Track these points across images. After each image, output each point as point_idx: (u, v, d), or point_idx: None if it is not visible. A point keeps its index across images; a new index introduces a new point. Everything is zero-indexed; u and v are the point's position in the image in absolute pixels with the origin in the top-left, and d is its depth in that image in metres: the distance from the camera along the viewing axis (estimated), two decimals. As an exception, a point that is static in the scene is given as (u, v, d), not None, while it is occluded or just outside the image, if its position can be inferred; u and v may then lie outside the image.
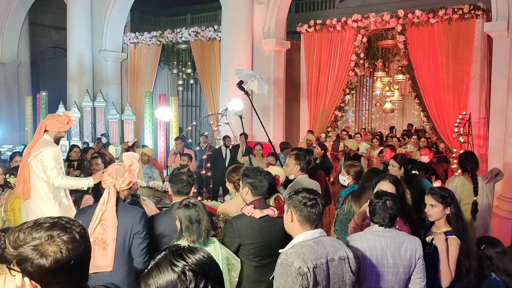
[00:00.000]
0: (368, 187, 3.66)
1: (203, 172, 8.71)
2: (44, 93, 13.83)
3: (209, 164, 9.00)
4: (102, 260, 2.97)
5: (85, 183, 4.05)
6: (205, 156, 9.11)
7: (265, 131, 7.47)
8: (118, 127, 12.71)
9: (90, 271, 2.96)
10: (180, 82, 14.57)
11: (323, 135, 10.59)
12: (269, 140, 7.47)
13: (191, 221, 2.91)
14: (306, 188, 2.48)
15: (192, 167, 8.54)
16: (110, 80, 13.58)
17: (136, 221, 3.06)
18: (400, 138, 11.03)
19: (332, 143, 11.09)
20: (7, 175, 5.01)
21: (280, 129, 11.09)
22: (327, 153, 8.29)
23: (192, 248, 1.30)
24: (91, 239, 2.87)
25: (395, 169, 4.32)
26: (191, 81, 14.77)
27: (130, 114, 12.39)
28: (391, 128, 14.39)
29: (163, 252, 1.29)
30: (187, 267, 1.22)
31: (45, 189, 3.95)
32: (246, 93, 7.42)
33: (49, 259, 1.26)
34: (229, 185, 3.84)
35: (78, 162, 5.91)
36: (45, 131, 4.05)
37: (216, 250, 2.99)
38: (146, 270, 1.26)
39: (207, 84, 12.22)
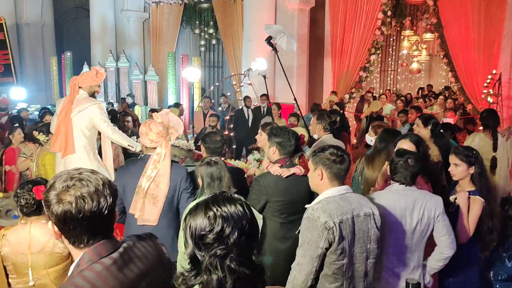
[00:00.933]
0: (382, 149, 3.63)
1: (226, 132, 8.78)
2: (68, 54, 13.95)
3: (232, 125, 9.07)
4: (150, 214, 3.08)
5: (136, 144, 4.11)
6: (227, 117, 9.16)
7: (291, 89, 7.39)
8: (142, 87, 12.81)
9: (138, 223, 3.09)
10: (202, 42, 14.45)
11: (346, 96, 10.46)
12: (295, 99, 7.40)
13: (212, 178, 2.97)
14: (331, 145, 2.49)
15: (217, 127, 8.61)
16: (133, 40, 13.58)
17: (184, 178, 3.17)
18: (427, 99, 10.81)
19: (356, 104, 10.95)
20: (37, 132, 5.15)
21: (303, 89, 10.99)
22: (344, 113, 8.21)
23: (232, 198, 1.34)
24: (143, 195, 3.01)
25: (420, 129, 4.25)
26: (213, 42, 14.62)
27: (153, 75, 12.44)
28: (420, 89, 14.07)
29: (207, 197, 1.36)
30: (218, 213, 1.27)
31: (86, 146, 4.00)
32: (275, 49, 7.30)
33: (60, 208, 1.35)
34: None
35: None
36: (79, 88, 4.03)
37: None
38: (188, 211, 1.35)
39: (230, 44, 12.10)
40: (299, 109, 7.51)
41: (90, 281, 1.33)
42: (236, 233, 1.26)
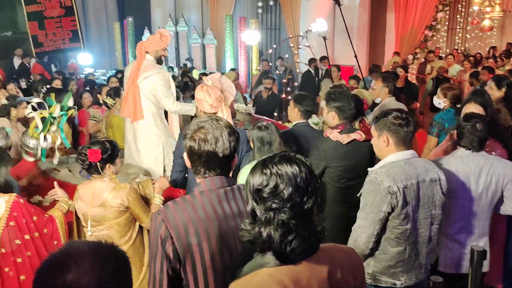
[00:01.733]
0: None
1: (283, 95, 8.74)
2: (130, 19, 14.30)
3: (289, 88, 9.00)
4: None
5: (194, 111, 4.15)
6: (285, 80, 9.09)
7: (354, 50, 7.16)
8: (200, 51, 12.94)
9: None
10: (260, 4, 14.21)
11: (410, 57, 9.99)
12: (357, 60, 7.18)
13: (262, 142, 2.97)
14: (394, 109, 2.40)
15: (274, 90, 8.59)
16: (191, 3, 13.64)
17: (245, 142, 3.16)
18: (498, 59, 10.08)
19: (419, 65, 10.45)
20: (105, 96, 5.40)
21: (364, 51, 10.61)
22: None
23: (289, 157, 1.36)
24: None
25: (493, 92, 3.99)
26: (271, 3, 14.33)
27: (212, 38, 12.50)
28: (492, 49, 13.11)
29: (266, 156, 1.40)
30: (274, 170, 1.31)
31: (153, 110, 4.04)
32: (338, 3, 7.07)
33: (188, 143, 1.68)
34: None
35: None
36: (146, 53, 4.04)
37: None
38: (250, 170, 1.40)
39: (287, 5, 11.83)
40: (360, 71, 7.28)
41: (191, 202, 1.65)
42: (290, 190, 1.28)
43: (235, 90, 3.45)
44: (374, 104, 4.51)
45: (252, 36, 9.71)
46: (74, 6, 10.79)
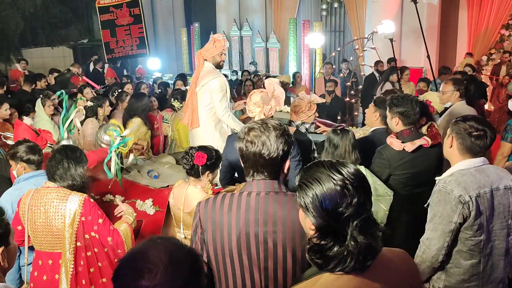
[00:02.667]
0: None
1: (347, 99, 8.59)
2: (196, 25, 14.74)
3: (353, 91, 8.82)
4: None
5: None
6: (349, 83, 8.92)
7: (427, 51, 6.87)
8: (264, 55, 13.05)
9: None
10: (324, 6, 14.07)
11: (484, 58, 9.43)
12: (429, 61, 6.88)
13: (329, 144, 3.03)
14: (476, 117, 2.29)
15: (338, 93, 8.47)
16: (255, 8, 13.79)
17: (294, 147, 3.08)
18: None
19: (493, 66, 9.81)
20: (172, 99, 5.61)
21: (434, 53, 10.13)
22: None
23: (342, 162, 1.34)
24: None
25: None
26: (335, 5, 14.13)
27: (275, 42, 12.57)
28: None
29: (315, 166, 1.34)
30: (347, 181, 1.26)
31: (208, 118, 4.11)
32: (415, 1, 6.84)
33: (238, 145, 1.72)
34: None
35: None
36: (205, 60, 4.14)
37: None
38: (302, 183, 1.32)
39: (353, 6, 11.62)
40: (432, 73, 6.96)
41: (228, 200, 1.70)
42: (359, 197, 1.25)
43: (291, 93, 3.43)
44: (445, 109, 4.31)
45: (316, 39, 9.62)
46: (142, 14, 11.32)
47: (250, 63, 12.24)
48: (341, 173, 1.28)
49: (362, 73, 9.65)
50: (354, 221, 1.24)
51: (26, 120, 5.39)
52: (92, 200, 2.68)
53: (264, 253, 1.66)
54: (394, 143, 3.07)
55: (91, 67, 12.05)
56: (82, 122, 4.66)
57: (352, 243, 1.22)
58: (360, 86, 9.28)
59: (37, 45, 17.72)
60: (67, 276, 2.60)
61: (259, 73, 10.96)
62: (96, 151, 4.00)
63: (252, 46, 13.28)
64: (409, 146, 3.02)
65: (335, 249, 1.24)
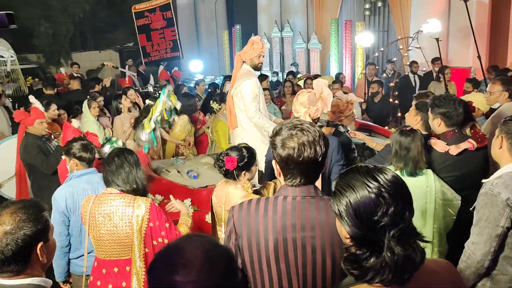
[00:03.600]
0: None
1: (391, 100, 8.38)
2: (238, 27, 14.87)
3: (396, 92, 8.60)
4: None
5: None
6: (392, 84, 8.70)
7: (478, 50, 6.57)
8: (305, 56, 12.97)
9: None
10: (367, 6, 13.81)
11: (538, 56, 8.93)
12: (480, 62, 6.58)
13: (400, 147, 2.85)
14: None
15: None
16: (297, 8, 13.73)
17: (335, 150, 3.08)
18: None
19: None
20: (211, 101, 5.69)
21: (483, 52, 9.69)
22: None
23: (380, 168, 1.27)
24: None
25: None
26: (379, 4, 13.85)
27: (316, 43, 12.47)
28: None
29: (351, 172, 1.29)
30: (382, 189, 1.20)
31: (246, 119, 4.17)
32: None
33: (284, 151, 1.62)
34: None
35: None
36: (243, 62, 4.21)
37: (429, 182, 2.84)
38: (336, 189, 1.28)
39: (397, 5, 11.33)
40: (483, 73, 6.64)
41: (263, 205, 1.66)
42: (399, 207, 1.19)
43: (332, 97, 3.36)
44: (492, 110, 4.11)
45: (365, 37, 9.42)
46: (174, 17, 11.51)
47: (291, 64, 12.20)
48: (377, 180, 1.22)
49: (406, 73, 9.40)
50: (390, 231, 1.17)
51: (74, 122, 5.60)
52: (157, 204, 2.62)
53: (303, 259, 1.62)
54: (438, 144, 2.96)
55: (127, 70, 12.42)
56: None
57: (389, 254, 1.16)
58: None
59: (85, 49, 18.48)
60: (139, 284, 2.52)
61: (299, 73, 10.91)
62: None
63: (293, 47, 13.24)
64: (454, 150, 2.90)
65: (372, 260, 1.18)
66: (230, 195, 2.74)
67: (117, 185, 2.57)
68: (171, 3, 11.38)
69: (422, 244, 1.22)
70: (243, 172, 2.75)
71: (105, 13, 17.93)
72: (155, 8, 11.46)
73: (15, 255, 1.43)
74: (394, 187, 1.22)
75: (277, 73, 12.09)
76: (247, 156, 2.73)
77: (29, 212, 1.48)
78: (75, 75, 9.80)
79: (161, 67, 11.98)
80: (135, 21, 11.75)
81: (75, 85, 8.15)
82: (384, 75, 9.62)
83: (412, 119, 3.38)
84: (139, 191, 2.61)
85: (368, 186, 1.21)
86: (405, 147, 2.83)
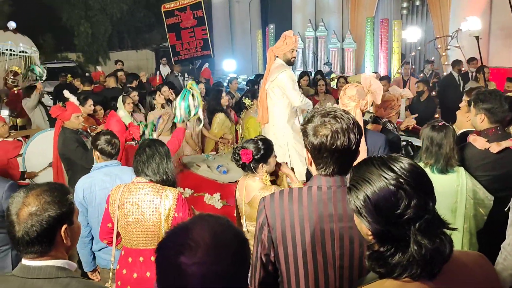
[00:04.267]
0: None
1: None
2: (272, 26, 14.86)
3: (433, 93, 8.35)
4: None
5: None
6: (430, 84, 8.46)
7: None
8: (339, 55, 12.82)
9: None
10: (405, 4, 13.50)
11: None
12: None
13: (432, 143, 2.75)
14: None
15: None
16: (332, 8, 13.59)
17: (382, 147, 2.98)
18: None
19: None
20: (243, 97, 5.69)
21: (527, 51, 9.32)
22: None
23: (395, 157, 1.20)
24: None
25: None
26: (417, 2, 13.54)
27: (351, 42, 12.29)
28: None
29: (364, 165, 1.22)
30: (401, 179, 1.13)
31: (279, 113, 4.16)
32: None
33: (317, 139, 1.55)
34: None
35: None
36: (276, 57, 4.20)
37: (460, 180, 2.73)
38: (352, 185, 1.22)
39: (436, 3, 11.02)
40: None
41: (296, 195, 1.60)
42: (422, 197, 1.12)
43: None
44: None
45: (413, 32, 9.22)
46: (205, 16, 11.54)
47: (324, 64, 12.08)
48: (393, 170, 1.15)
49: (444, 73, 9.13)
50: (415, 223, 1.10)
51: (120, 112, 5.66)
52: (183, 196, 2.64)
53: (340, 251, 1.56)
54: (478, 140, 2.84)
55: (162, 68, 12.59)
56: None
57: (416, 248, 1.09)
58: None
59: (122, 49, 18.95)
60: None
61: (333, 73, 10.78)
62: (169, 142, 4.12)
63: (327, 46, 13.10)
64: (495, 147, 2.77)
65: (397, 256, 1.12)
66: (248, 188, 2.73)
67: (147, 175, 2.59)
68: (202, 1, 11.43)
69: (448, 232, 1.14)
70: (261, 165, 2.72)
71: (143, 13, 18.33)
72: (185, 6, 11.51)
73: (40, 236, 1.45)
74: (413, 176, 1.14)
75: (310, 73, 11.98)
76: (263, 148, 2.70)
77: (54, 195, 1.50)
78: (119, 73, 10.04)
79: (206, 65, 12.10)
80: (164, 20, 11.83)
81: (111, 82, 8.34)
82: (422, 75, 9.37)
83: (463, 116, 3.25)
84: (169, 182, 2.62)
85: (385, 178, 1.14)
86: (437, 143, 2.72)
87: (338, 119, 1.55)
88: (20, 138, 5.28)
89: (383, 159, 1.19)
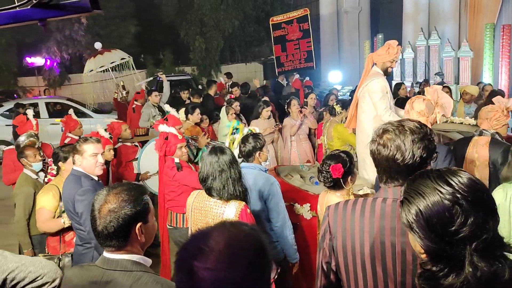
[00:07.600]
0: None
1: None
2: (380, 36, 14.42)
3: None
4: None
5: None
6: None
7: None
8: (453, 65, 11.98)
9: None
10: (532, 7, 12.20)
11: None
12: None
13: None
14: None
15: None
16: (447, 15, 12.80)
17: (447, 160, 2.87)
18: None
19: None
20: (335, 103, 5.65)
21: None
22: None
23: (454, 170, 1.12)
24: None
25: None
26: (548, 5, 12.13)
27: (467, 51, 11.42)
28: None
29: (419, 178, 1.16)
30: (458, 195, 1.06)
31: (368, 121, 4.11)
32: None
33: (370, 147, 1.61)
34: None
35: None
36: (374, 64, 4.15)
37: (506, 195, 2.48)
38: (404, 198, 1.17)
39: None
40: None
41: (360, 206, 1.60)
42: (481, 215, 1.04)
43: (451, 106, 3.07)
44: None
45: None
46: (310, 29, 11.71)
47: (435, 74, 11.39)
48: (450, 185, 1.08)
49: None
50: (472, 243, 1.03)
51: (223, 121, 6.04)
52: (248, 210, 2.60)
53: (402, 266, 1.51)
54: None
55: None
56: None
57: (470, 269, 1.02)
58: None
59: (233, 62, 19.89)
60: None
61: (445, 83, 10.10)
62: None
63: (439, 55, 12.34)
64: None
65: (450, 277, 1.05)
66: (329, 203, 2.69)
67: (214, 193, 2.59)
68: (308, 15, 11.66)
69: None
70: (349, 177, 2.71)
71: (253, 28, 19.07)
72: (292, 19, 11.89)
73: (117, 232, 1.60)
74: (472, 192, 1.06)
75: (419, 83, 11.37)
76: (348, 160, 2.69)
77: (131, 194, 1.64)
78: (224, 83, 10.62)
79: (296, 76, 12.29)
80: (271, 32, 12.32)
81: (237, 92, 8.81)
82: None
83: None
84: (237, 198, 2.60)
85: (440, 192, 1.08)
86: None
87: (406, 132, 1.53)
88: (136, 144, 5.85)
89: (440, 172, 1.14)
